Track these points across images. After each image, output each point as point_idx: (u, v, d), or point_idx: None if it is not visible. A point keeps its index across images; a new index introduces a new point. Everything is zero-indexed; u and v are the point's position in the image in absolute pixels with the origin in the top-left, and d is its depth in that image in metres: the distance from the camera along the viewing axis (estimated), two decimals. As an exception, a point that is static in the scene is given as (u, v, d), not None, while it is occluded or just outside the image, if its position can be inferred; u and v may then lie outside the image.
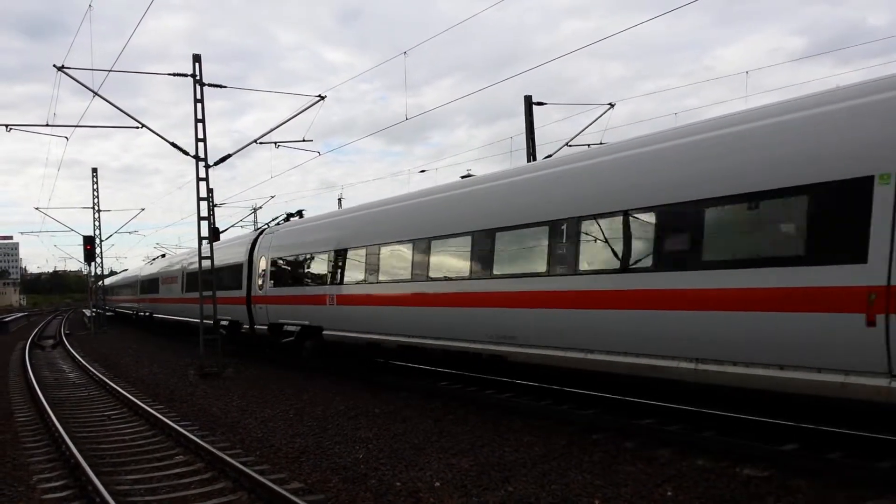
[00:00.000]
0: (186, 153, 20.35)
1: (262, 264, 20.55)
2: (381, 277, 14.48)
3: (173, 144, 20.79)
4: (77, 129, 26.59)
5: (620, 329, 9.07)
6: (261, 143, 23.13)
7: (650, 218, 8.79)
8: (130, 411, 14.07)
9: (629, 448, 9.22)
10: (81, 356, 25.70)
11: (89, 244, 41.35)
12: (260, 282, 20.63)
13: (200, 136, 19.86)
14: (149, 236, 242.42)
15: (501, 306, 11.13)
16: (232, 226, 55.71)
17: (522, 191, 11.32)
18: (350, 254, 15.89)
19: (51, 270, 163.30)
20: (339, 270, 16.26)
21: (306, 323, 17.54)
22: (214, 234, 27.93)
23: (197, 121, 19.81)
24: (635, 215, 9.03)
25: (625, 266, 9.11)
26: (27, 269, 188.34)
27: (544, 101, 23.28)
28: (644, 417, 10.60)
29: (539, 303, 10.36)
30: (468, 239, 12.04)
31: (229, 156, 22.44)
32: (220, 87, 21.08)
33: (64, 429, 11.39)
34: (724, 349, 7.83)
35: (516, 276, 10.89)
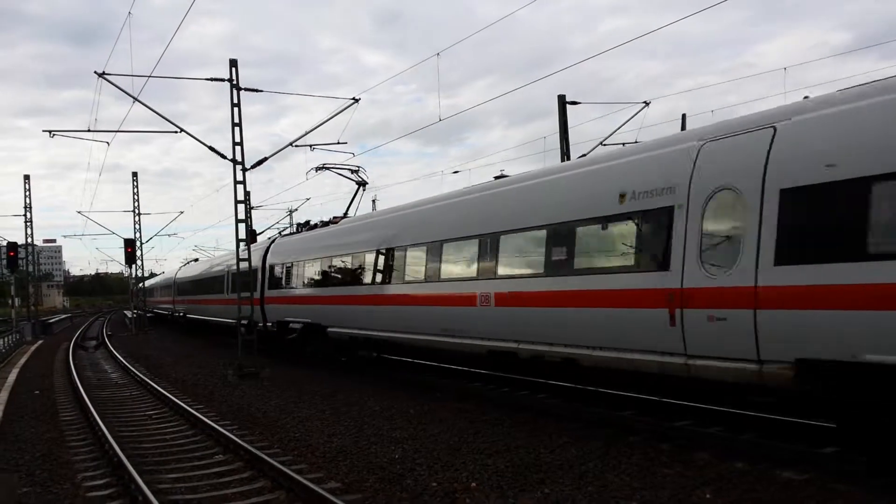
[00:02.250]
0: (224, 157, 20.67)
1: (272, 269, 23.37)
2: (363, 281, 16.76)
3: (211, 148, 21.11)
4: (118, 134, 27.12)
5: (546, 320, 10.83)
6: (297, 145, 23.38)
7: (542, 234, 11.00)
8: (171, 411, 14.32)
9: (666, 450, 9.13)
10: (123, 357, 26.22)
11: (130, 247, 42.17)
12: (268, 284, 23.40)
13: (237, 139, 20.16)
14: (187, 239, 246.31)
15: (446, 305, 13.26)
16: (268, 228, 56.28)
17: (460, 210, 13.59)
18: (334, 261, 18.71)
19: (93, 273, 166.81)
20: (330, 276, 18.84)
21: (308, 321, 19.83)
22: (252, 236, 28.32)
23: (234, 125, 20.10)
24: (533, 233, 11.25)
25: (535, 272, 11.10)
26: (70, 271, 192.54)
27: (578, 101, 23.18)
28: (680, 419, 10.50)
29: (470, 302, 12.54)
30: (424, 248, 14.14)
31: (266, 159, 22.75)
32: (257, 91, 21.30)
33: (107, 428, 11.64)
34: (591, 338, 9.95)
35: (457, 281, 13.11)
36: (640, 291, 8.97)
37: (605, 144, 23.20)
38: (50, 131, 23.37)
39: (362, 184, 22.25)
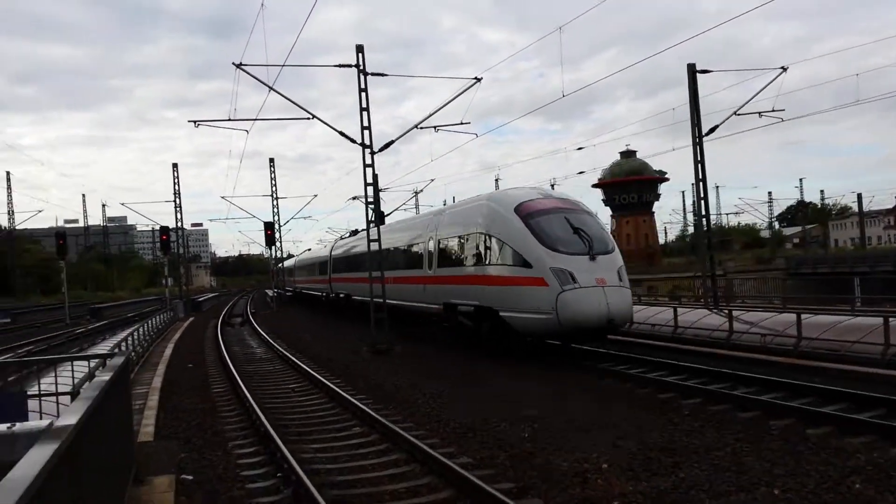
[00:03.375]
0: (353, 141, 21.27)
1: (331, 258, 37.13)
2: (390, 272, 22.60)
3: (341, 133, 21.80)
4: (256, 122, 28.45)
5: (434, 289, 19.91)
6: (421, 127, 23.76)
7: (435, 243, 20.08)
8: (311, 384, 15.03)
9: (813, 436, 8.66)
10: (266, 333, 27.73)
11: (269, 229, 44.43)
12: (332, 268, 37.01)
13: (365, 123, 20.67)
14: (321, 220, 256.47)
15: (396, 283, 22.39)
16: (395, 209, 57.59)
17: (396, 229, 25.13)
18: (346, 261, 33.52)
19: (236, 254, 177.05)
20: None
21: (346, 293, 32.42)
22: (380, 218, 29.09)
23: (362, 109, 20.62)
24: (436, 242, 20.18)
25: (430, 266, 20.30)
26: (216, 253, 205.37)
27: (710, 69, 22.13)
28: (832, 403, 9.93)
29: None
30: (386, 252, 22.51)
31: (392, 142, 23.21)
32: (382, 75, 21.73)
33: (254, 400, 12.37)
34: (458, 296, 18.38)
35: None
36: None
37: (738, 114, 22.12)
38: (195, 121, 24.80)
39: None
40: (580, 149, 46.20)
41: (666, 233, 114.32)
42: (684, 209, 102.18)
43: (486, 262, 16.70)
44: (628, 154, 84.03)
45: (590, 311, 14.31)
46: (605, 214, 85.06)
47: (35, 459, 2.53)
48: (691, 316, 18.78)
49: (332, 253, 38.92)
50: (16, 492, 2.09)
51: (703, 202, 22.53)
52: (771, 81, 21.19)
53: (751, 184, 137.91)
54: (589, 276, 14.49)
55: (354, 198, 44.03)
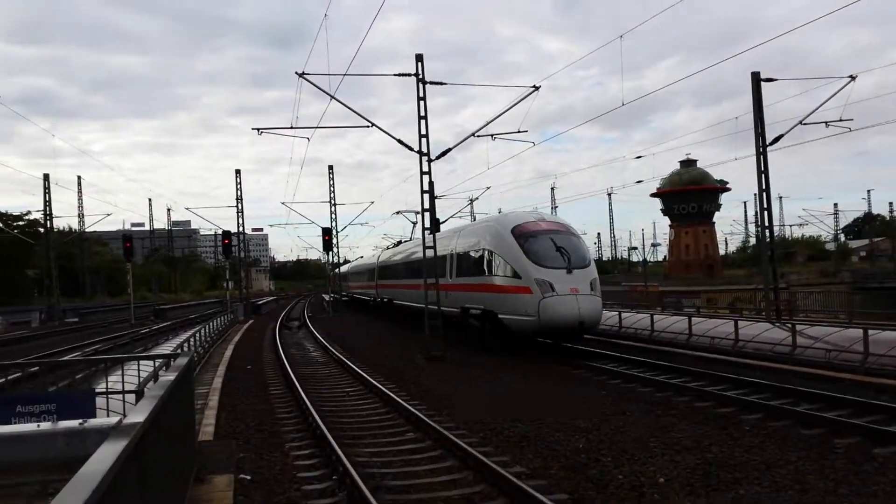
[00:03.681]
0: (411, 149, 21.44)
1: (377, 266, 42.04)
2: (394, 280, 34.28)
3: (399, 141, 21.98)
4: (317, 130, 28.90)
5: (453, 295, 22.17)
6: (478, 136, 23.77)
7: (447, 259, 23.40)
8: (365, 388, 15.16)
9: (879, 455, 8.35)
10: (322, 336, 28.10)
11: (327, 235, 45.03)
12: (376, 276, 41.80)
13: (423, 132, 20.82)
14: (377, 227, 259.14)
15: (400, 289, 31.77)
16: (450, 217, 57.78)
17: (405, 251, 34.12)
18: (385, 270, 38.87)
19: (294, 259, 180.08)
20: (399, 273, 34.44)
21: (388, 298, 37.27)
22: (435, 225, 29.22)
23: (420, 118, 20.78)
24: (443, 256, 23.42)
25: (451, 275, 23.02)
26: (275, 257, 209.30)
27: (774, 77, 21.57)
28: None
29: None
30: (401, 267, 32.78)
31: (449, 150, 23.35)
32: (441, 83, 21.83)
33: (311, 402, 12.55)
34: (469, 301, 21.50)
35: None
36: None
37: (804, 124, 21.53)
38: (258, 129, 25.36)
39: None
40: (639, 157, 46.19)
41: (726, 244, 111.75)
42: (746, 220, 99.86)
43: (490, 274, 19.93)
44: (688, 163, 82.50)
45: (565, 314, 17.54)
46: (663, 224, 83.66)
47: (106, 455, 2.62)
48: (753, 329, 18.31)
49: (378, 261, 43.12)
50: (90, 486, 2.16)
51: (766, 213, 21.95)
52: (839, 90, 20.57)
53: (816, 195, 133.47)
54: (565, 286, 17.69)
55: (398, 212, 50.38)
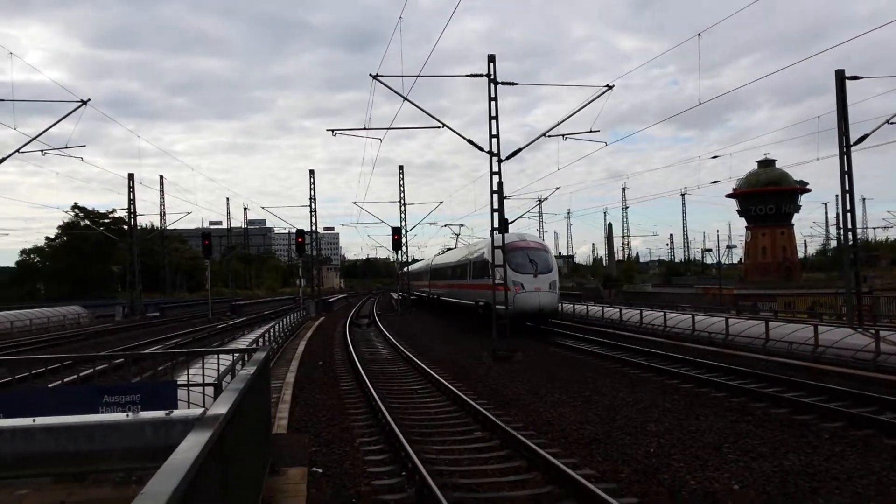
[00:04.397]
0: (481, 149, 21.47)
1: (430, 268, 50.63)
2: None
3: (470, 141, 22.05)
4: (389, 131, 29.44)
5: (470, 292, 31.81)
6: (549, 136, 23.65)
7: (466, 265, 33.88)
8: (433, 387, 15.26)
9: (971, 471, 7.92)
10: (391, 334, 28.42)
11: (396, 234, 45.56)
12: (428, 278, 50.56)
13: (494, 132, 20.80)
14: (444, 228, 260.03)
15: (444, 288, 41.54)
16: (518, 217, 57.73)
17: (455, 254, 43.15)
18: (434, 272, 47.71)
19: (364, 258, 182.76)
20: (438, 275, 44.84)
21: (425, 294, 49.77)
22: (504, 225, 29.18)
23: (490, 118, 20.77)
24: (464, 263, 34.51)
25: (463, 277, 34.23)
26: (345, 256, 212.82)
27: (860, 75, 20.72)
28: None
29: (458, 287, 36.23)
30: (448, 269, 40.52)
31: (519, 150, 23.28)
32: (512, 84, 21.84)
33: (380, 399, 12.71)
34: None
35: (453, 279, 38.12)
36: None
37: (891, 123, 20.61)
38: (332, 130, 26.00)
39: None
40: (715, 157, 45.09)
41: (806, 246, 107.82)
42: (826, 222, 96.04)
43: (487, 277, 27.07)
44: (767, 163, 79.84)
45: (529, 305, 25.52)
46: (738, 226, 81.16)
47: (192, 445, 2.72)
48: (833, 335, 17.59)
49: (431, 264, 52.70)
50: (178, 474, 2.26)
51: (849, 215, 21.09)
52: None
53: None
54: (531, 286, 25.34)
55: (446, 225, 56.27)
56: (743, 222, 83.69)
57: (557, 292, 27.59)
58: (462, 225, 57.69)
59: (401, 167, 49.04)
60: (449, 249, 56.62)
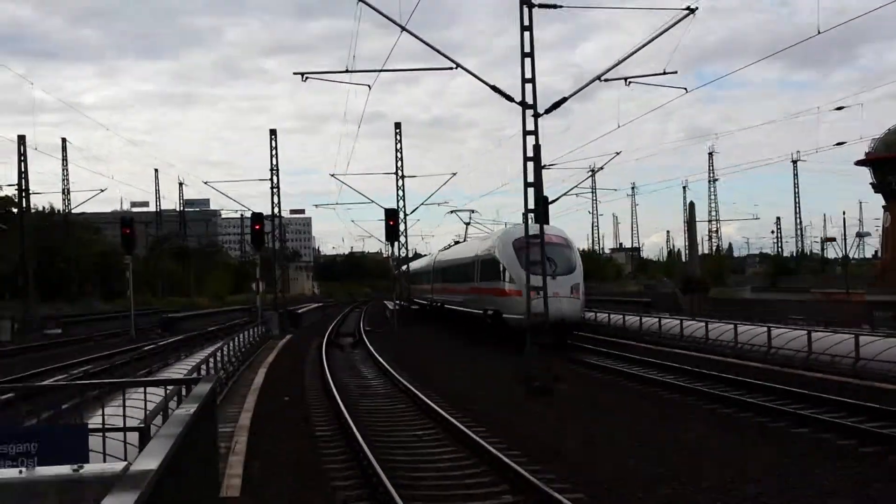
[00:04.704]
0: (511, 99, 21.47)
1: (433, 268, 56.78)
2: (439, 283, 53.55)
3: (494, 88, 22.05)
4: (380, 74, 28.70)
5: (477, 298, 38.86)
6: (606, 80, 23.61)
7: (471, 265, 40.99)
8: (445, 431, 15.31)
9: None
10: (386, 361, 28.43)
11: (392, 219, 45.46)
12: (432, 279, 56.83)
13: (528, 75, 20.76)
14: (461, 208, 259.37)
15: (449, 293, 48.56)
16: (564, 194, 57.51)
17: (450, 255, 53.50)
18: (437, 272, 54.61)
19: (346, 252, 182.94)
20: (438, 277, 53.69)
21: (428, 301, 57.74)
22: (543, 204, 29.17)
23: (524, 55, 20.74)
24: (470, 262, 41.68)
25: (470, 279, 41.21)
26: (320, 249, 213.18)
27: None
28: None
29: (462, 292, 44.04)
30: (451, 269, 48.55)
31: (565, 100, 23.18)
32: (554, 6, 21.61)
33: (371, 451, 12.73)
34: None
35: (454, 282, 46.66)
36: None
37: None
38: (301, 73, 25.87)
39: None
40: (840, 108, 44.16)
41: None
42: None
43: (498, 279, 34.12)
44: (912, 115, 79.44)
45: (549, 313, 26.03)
46: (874, 205, 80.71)
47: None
48: None
49: (434, 263, 55.61)
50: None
51: None
52: None
53: None
54: (549, 291, 24.36)
55: (452, 211, 56.78)
56: (880, 199, 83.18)
57: (582, 297, 31.66)
58: (473, 211, 55.54)
59: (398, 125, 49.40)
60: (457, 243, 59.14)
